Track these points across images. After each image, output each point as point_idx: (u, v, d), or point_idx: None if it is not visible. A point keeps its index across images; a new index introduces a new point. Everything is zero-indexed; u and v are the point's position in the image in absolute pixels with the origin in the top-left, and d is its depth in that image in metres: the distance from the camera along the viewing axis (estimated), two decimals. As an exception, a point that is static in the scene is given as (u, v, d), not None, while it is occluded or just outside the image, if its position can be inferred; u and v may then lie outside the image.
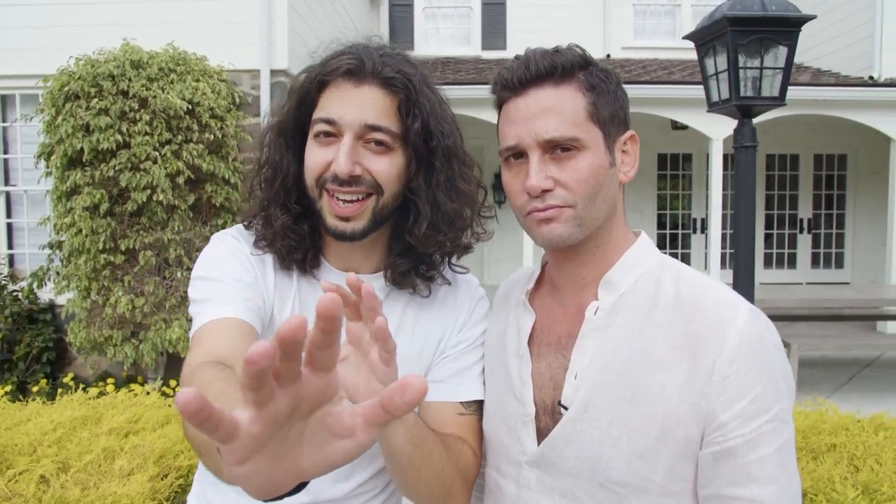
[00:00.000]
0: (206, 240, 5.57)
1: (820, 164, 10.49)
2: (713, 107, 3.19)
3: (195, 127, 5.07)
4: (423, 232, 1.06)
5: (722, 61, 2.90)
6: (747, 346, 0.86)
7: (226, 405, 0.45)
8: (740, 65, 2.77)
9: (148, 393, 3.46)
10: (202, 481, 1.18)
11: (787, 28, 2.75)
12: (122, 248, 4.97)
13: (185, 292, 5.19)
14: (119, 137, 4.83)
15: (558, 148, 0.93)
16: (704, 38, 3.00)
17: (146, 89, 4.92)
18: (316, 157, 1.01)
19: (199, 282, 1.03)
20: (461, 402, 1.10)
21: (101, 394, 3.49)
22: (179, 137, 5.01)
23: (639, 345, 0.92)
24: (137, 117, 4.88)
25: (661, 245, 10.25)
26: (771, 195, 10.49)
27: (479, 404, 1.12)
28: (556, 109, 0.93)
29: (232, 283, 1.00)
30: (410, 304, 1.14)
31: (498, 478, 1.05)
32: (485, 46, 10.70)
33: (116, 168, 4.84)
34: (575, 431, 0.93)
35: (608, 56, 10.38)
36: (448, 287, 1.17)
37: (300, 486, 0.64)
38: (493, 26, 10.70)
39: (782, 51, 2.80)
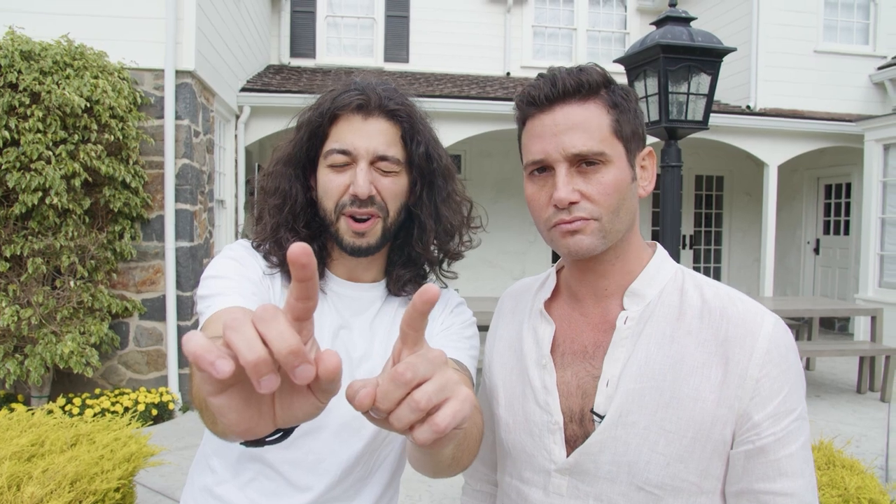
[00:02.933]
0: (102, 246, 5.28)
1: (700, 185, 11.28)
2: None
3: (94, 126, 4.74)
4: (429, 242, 1.20)
5: (652, 85, 3.08)
6: (775, 351, 0.92)
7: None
8: (669, 90, 2.96)
9: (50, 412, 3.18)
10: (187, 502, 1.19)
11: (711, 58, 2.97)
12: (7, 254, 4.56)
13: (78, 303, 4.84)
14: (6, 134, 4.44)
15: (584, 162, 0.96)
16: (636, 62, 3.18)
17: (39, 83, 4.56)
18: (334, 183, 1.11)
19: (209, 280, 1.08)
20: (454, 360, 1.12)
21: (-9, 414, 3.18)
22: (76, 137, 4.67)
23: (671, 352, 0.96)
24: (28, 113, 4.51)
25: (557, 258, 10.64)
26: (657, 212, 11.16)
27: (467, 373, 1.15)
28: (583, 125, 0.97)
29: (241, 282, 1.07)
30: (400, 308, 1.24)
31: (521, 486, 1.06)
32: (387, 58, 10.71)
33: (2, 167, 4.44)
34: (611, 437, 0.95)
35: (508, 74, 10.69)
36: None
37: (283, 436, 0.74)
38: (397, 39, 10.73)
39: (705, 79, 3.02)
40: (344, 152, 1.10)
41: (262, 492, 1.10)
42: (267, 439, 0.68)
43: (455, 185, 1.23)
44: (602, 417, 0.96)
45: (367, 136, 1.11)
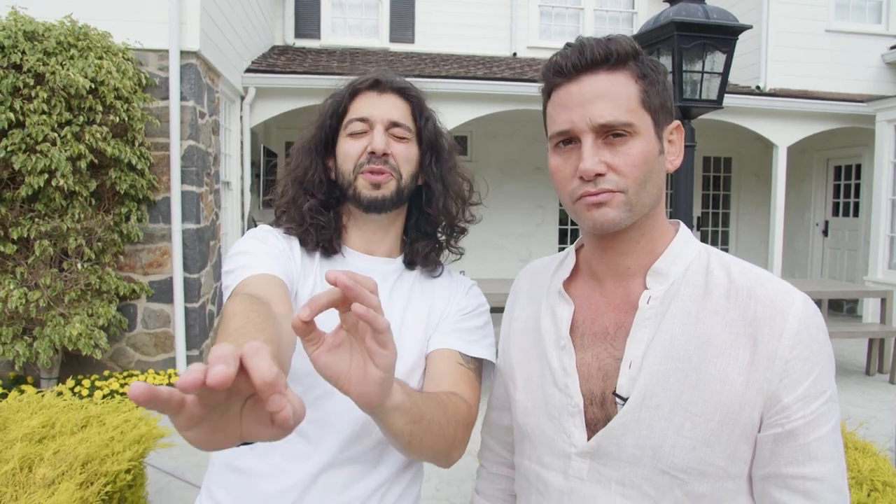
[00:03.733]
0: (109, 228, 5.29)
1: (708, 166, 11.19)
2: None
3: (99, 108, 4.71)
4: (441, 204, 1.31)
5: (666, 63, 3.01)
6: (805, 332, 0.89)
7: (239, 339, 0.73)
8: (683, 68, 2.91)
9: (60, 393, 3.18)
10: (210, 485, 1.19)
11: (727, 36, 2.91)
12: (14, 236, 4.55)
13: (86, 285, 4.84)
14: (11, 115, 4.40)
15: (611, 133, 0.93)
16: (649, 40, 3.12)
17: (43, 64, 4.52)
18: (354, 147, 1.23)
19: (234, 257, 1.16)
20: (462, 356, 1.20)
21: (1, 396, 3.18)
22: (81, 118, 4.64)
23: (697, 332, 0.93)
24: (33, 94, 4.47)
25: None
26: (669, 193, 11.08)
27: (480, 365, 1.23)
28: (610, 95, 0.94)
29: (263, 257, 1.14)
30: (417, 281, 1.31)
31: (540, 470, 1.04)
32: (393, 39, 10.62)
33: (8, 149, 4.41)
34: (634, 420, 0.93)
35: (514, 54, 10.58)
36: (444, 274, 1.37)
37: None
38: (402, 19, 10.63)
39: (720, 57, 2.96)
40: (362, 120, 1.23)
41: (285, 456, 1.11)
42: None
43: (458, 161, 1.36)
44: (625, 400, 0.94)
45: (382, 106, 1.25)
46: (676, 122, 1.02)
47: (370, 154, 1.21)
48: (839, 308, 10.26)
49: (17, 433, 2.60)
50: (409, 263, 1.31)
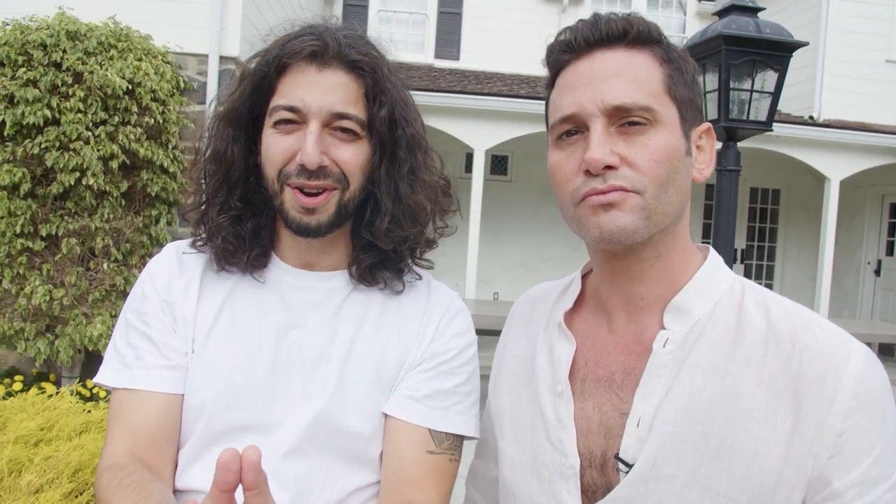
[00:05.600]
0: (138, 230, 5.22)
1: (755, 198, 10.81)
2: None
3: (134, 109, 4.71)
4: (384, 227, 0.99)
5: (712, 80, 2.83)
6: (866, 396, 0.71)
7: None
8: (731, 86, 2.72)
9: (61, 394, 3.11)
10: None
11: (780, 53, 2.71)
12: (43, 233, 4.55)
13: (111, 286, 4.81)
14: (48, 113, 4.43)
15: (627, 120, 0.76)
16: (695, 55, 2.93)
17: (82, 63, 4.54)
18: (277, 146, 0.92)
19: (122, 328, 1.00)
20: (432, 434, 0.95)
21: (9, 394, 3.13)
22: (116, 119, 4.64)
23: (723, 387, 0.75)
24: (70, 93, 4.49)
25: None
26: (708, 224, 10.74)
27: (458, 442, 0.99)
28: (628, 74, 0.77)
29: (142, 353, 0.96)
30: (374, 303, 1.03)
31: (526, 538, 0.87)
32: (438, 55, 10.59)
33: (42, 146, 4.43)
34: (640, 493, 0.75)
35: (560, 75, 10.44)
36: (421, 290, 1.07)
37: None
38: (448, 36, 10.60)
39: (772, 75, 2.76)
40: (291, 109, 0.91)
41: None
42: None
43: (424, 158, 1.03)
44: (630, 466, 0.76)
45: (322, 90, 0.91)
46: (707, 125, 0.84)
47: (300, 166, 0.90)
48: (890, 353, 9.74)
49: (11, 435, 2.52)
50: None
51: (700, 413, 0.75)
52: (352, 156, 0.93)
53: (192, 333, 0.96)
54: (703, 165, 0.84)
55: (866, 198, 10.25)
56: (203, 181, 1.03)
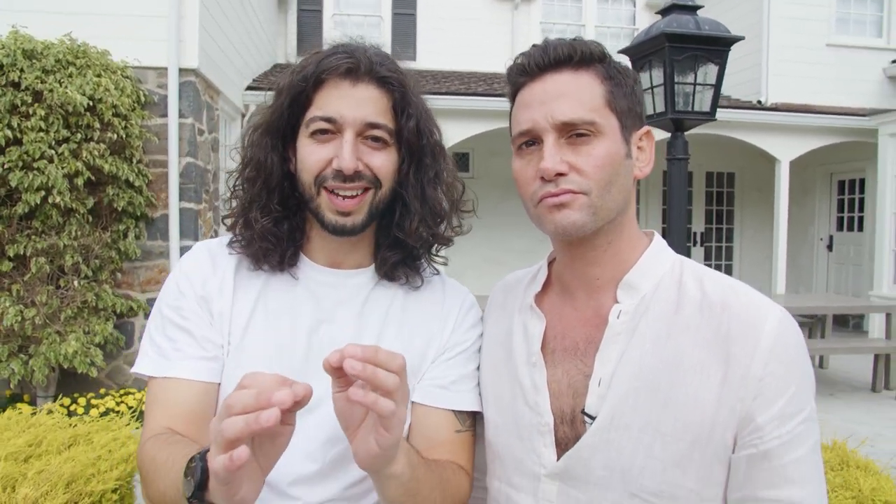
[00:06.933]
0: (107, 246, 5.23)
1: (711, 181, 11.14)
2: (647, 120, 3.26)
3: (96, 125, 4.71)
4: (414, 226, 1.09)
5: (658, 75, 3.01)
6: (780, 348, 0.85)
7: (173, 465, 0.82)
8: (675, 80, 2.90)
9: (43, 411, 3.15)
10: None
11: (719, 47, 2.90)
12: (11, 254, 4.54)
13: (83, 302, 4.82)
14: (8, 133, 4.41)
15: (574, 133, 0.91)
16: (641, 52, 3.11)
17: (41, 82, 4.53)
18: (316, 154, 1.01)
19: (156, 320, 1.06)
20: (457, 415, 1.07)
21: (-8, 415, 3.15)
22: (79, 136, 4.65)
23: (668, 349, 0.89)
24: (31, 112, 4.49)
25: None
26: (665, 209, 11.03)
27: (473, 418, 1.11)
28: (573, 94, 0.92)
29: (180, 344, 1.02)
30: (396, 298, 1.12)
31: (510, 491, 1.00)
32: (394, 56, 10.54)
33: (5, 166, 4.42)
34: (603, 441, 0.89)
35: (516, 71, 10.60)
36: (437, 286, 1.18)
37: None
38: (404, 37, 10.68)
39: (713, 68, 2.95)
40: (328, 119, 0.99)
41: None
42: None
43: (446, 164, 1.14)
44: (593, 419, 0.90)
45: (356, 103, 1.00)
46: (646, 128, 0.99)
47: (337, 171, 0.99)
48: (845, 323, 10.16)
49: (2, 452, 2.56)
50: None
51: (649, 372, 0.89)
52: (383, 162, 1.03)
53: (229, 328, 1.03)
54: (644, 164, 0.99)
55: (816, 177, 10.66)
56: (241, 188, 1.10)
